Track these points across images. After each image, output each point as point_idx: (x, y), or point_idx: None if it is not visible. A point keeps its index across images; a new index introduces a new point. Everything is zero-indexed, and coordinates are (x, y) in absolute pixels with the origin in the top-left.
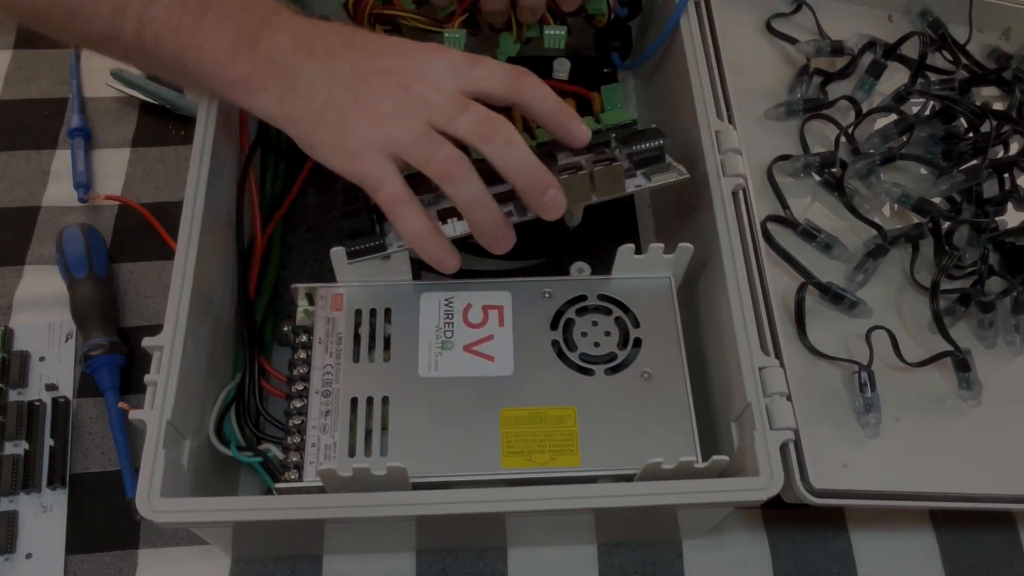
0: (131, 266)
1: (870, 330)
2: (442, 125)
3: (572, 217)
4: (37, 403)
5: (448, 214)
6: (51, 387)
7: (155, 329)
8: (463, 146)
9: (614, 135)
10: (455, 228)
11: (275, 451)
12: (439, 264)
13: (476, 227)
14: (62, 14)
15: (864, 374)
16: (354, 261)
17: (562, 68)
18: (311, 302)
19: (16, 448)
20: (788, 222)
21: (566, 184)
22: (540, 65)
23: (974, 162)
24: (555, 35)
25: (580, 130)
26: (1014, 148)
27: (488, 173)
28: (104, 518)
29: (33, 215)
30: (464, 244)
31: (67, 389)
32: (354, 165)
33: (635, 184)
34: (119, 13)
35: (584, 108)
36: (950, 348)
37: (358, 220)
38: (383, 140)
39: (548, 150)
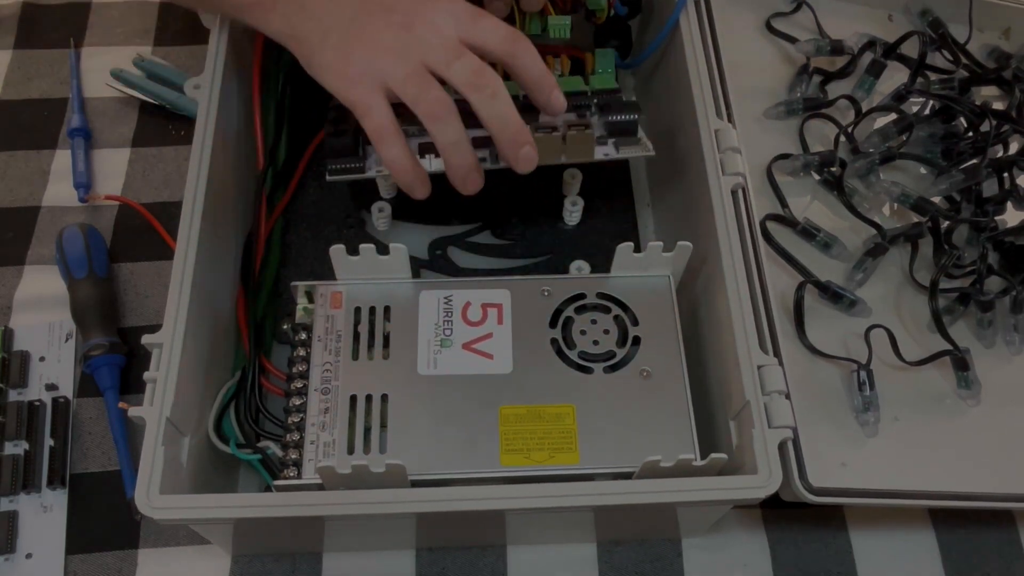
0: (131, 266)
1: (869, 329)
2: (436, 67)
3: (571, 215)
4: (37, 403)
5: (426, 150)
6: (51, 387)
7: (155, 329)
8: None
9: (595, 100)
10: (431, 164)
11: (274, 448)
12: (411, 191)
13: (450, 168)
14: None
15: (863, 373)
16: (335, 179)
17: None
18: (310, 300)
19: (16, 448)
20: (787, 221)
21: (540, 142)
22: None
23: (973, 161)
24: (559, 25)
25: (558, 100)
26: (1014, 147)
27: (468, 115)
28: (104, 518)
29: (33, 215)
30: (464, 243)
31: (67, 389)
32: (349, 90)
33: (603, 152)
34: None
35: (577, 68)
36: (949, 347)
37: (344, 139)
38: (378, 72)
39: (529, 105)
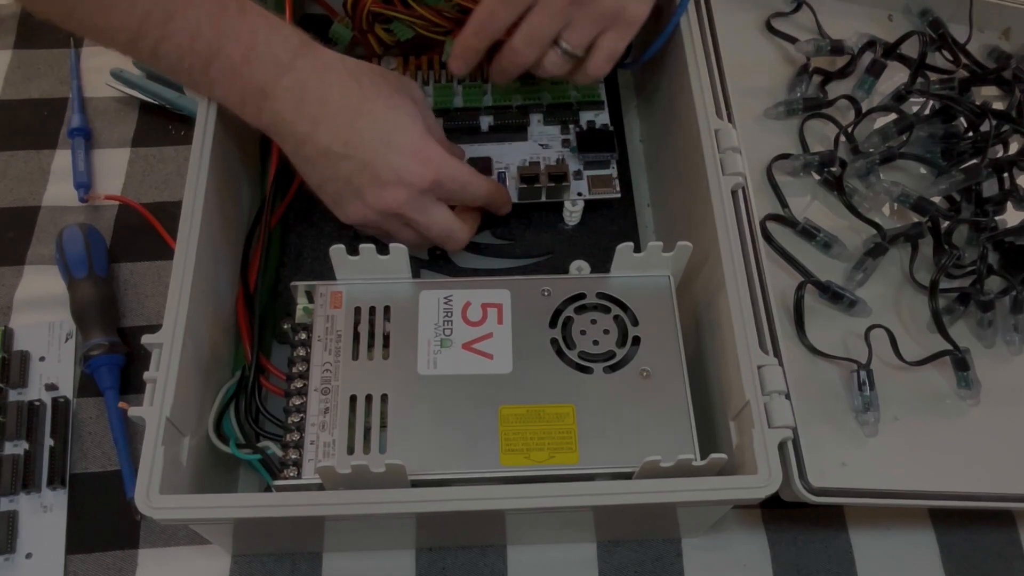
0: (131, 266)
1: (869, 329)
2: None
3: (571, 215)
4: (37, 403)
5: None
6: (51, 387)
7: (155, 329)
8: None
9: (576, 130)
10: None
11: (274, 448)
12: (501, 209)
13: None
14: (80, 26)
15: (863, 373)
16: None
17: None
18: (310, 300)
19: (16, 448)
20: (787, 221)
21: (523, 192)
22: None
23: (973, 161)
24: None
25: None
26: (1014, 147)
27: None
28: (104, 518)
29: (33, 215)
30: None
31: (67, 389)
32: (348, 224)
33: (577, 191)
34: (133, 43)
35: None
36: (949, 347)
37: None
38: (366, 225)
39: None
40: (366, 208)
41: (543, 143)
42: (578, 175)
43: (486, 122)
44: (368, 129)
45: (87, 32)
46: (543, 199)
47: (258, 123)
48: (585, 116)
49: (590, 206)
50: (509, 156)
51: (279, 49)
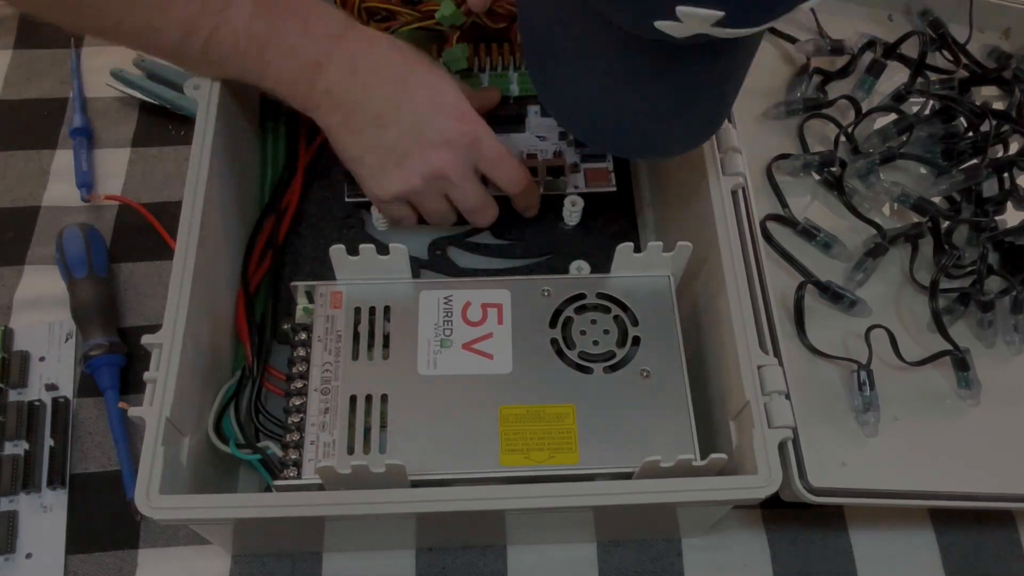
0: (131, 266)
1: (869, 329)
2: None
3: (571, 215)
4: (37, 403)
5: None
6: (51, 387)
7: (155, 329)
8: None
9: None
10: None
11: (274, 448)
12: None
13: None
14: (127, 34)
15: (863, 373)
16: (353, 200)
17: None
18: (310, 300)
19: (16, 448)
20: (788, 221)
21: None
22: None
23: (974, 161)
24: None
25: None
26: (1014, 148)
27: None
28: (104, 518)
29: (33, 215)
30: (464, 243)
31: (67, 389)
32: (383, 199)
33: (573, 184)
34: (187, 36)
35: None
36: (949, 347)
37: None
38: (405, 195)
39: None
40: (409, 174)
41: (541, 135)
42: (575, 168)
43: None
44: (416, 94)
45: (134, 37)
46: (540, 191)
47: (307, 100)
48: None
49: (590, 206)
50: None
51: (331, 24)
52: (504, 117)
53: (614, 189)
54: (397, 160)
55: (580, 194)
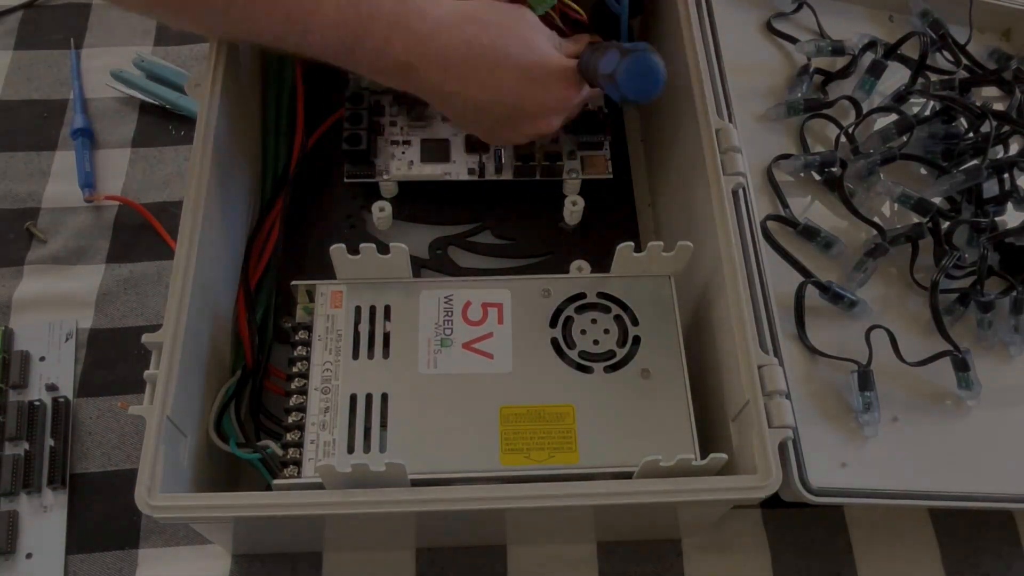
0: (131, 266)
1: (869, 329)
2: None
3: (571, 215)
4: (37, 403)
5: (430, 152)
6: (51, 387)
7: (155, 328)
8: None
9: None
10: (433, 169)
11: (274, 447)
12: None
13: None
14: (230, 24)
15: (863, 373)
16: (352, 180)
17: None
18: (311, 299)
19: (16, 448)
20: (788, 221)
21: (518, 170)
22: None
23: (974, 162)
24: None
25: None
26: (1014, 148)
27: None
28: (104, 518)
29: (33, 215)
30: (465, 242)
31: (67, 389)
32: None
33: (569, 169)
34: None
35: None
36: (949, 348)
37: (359, 148)
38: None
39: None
40: (516, 136)
41: None
42: (572, 155)
43: None
44: (510, 75)
45: (241, 26)
46: (537, 177)
47: (402, 88)
48: None
49: (590, 206)
50: None
51: (415, 21)
52: None
53: (610, 176)
54: (510, 127)
55: (577, 180)
